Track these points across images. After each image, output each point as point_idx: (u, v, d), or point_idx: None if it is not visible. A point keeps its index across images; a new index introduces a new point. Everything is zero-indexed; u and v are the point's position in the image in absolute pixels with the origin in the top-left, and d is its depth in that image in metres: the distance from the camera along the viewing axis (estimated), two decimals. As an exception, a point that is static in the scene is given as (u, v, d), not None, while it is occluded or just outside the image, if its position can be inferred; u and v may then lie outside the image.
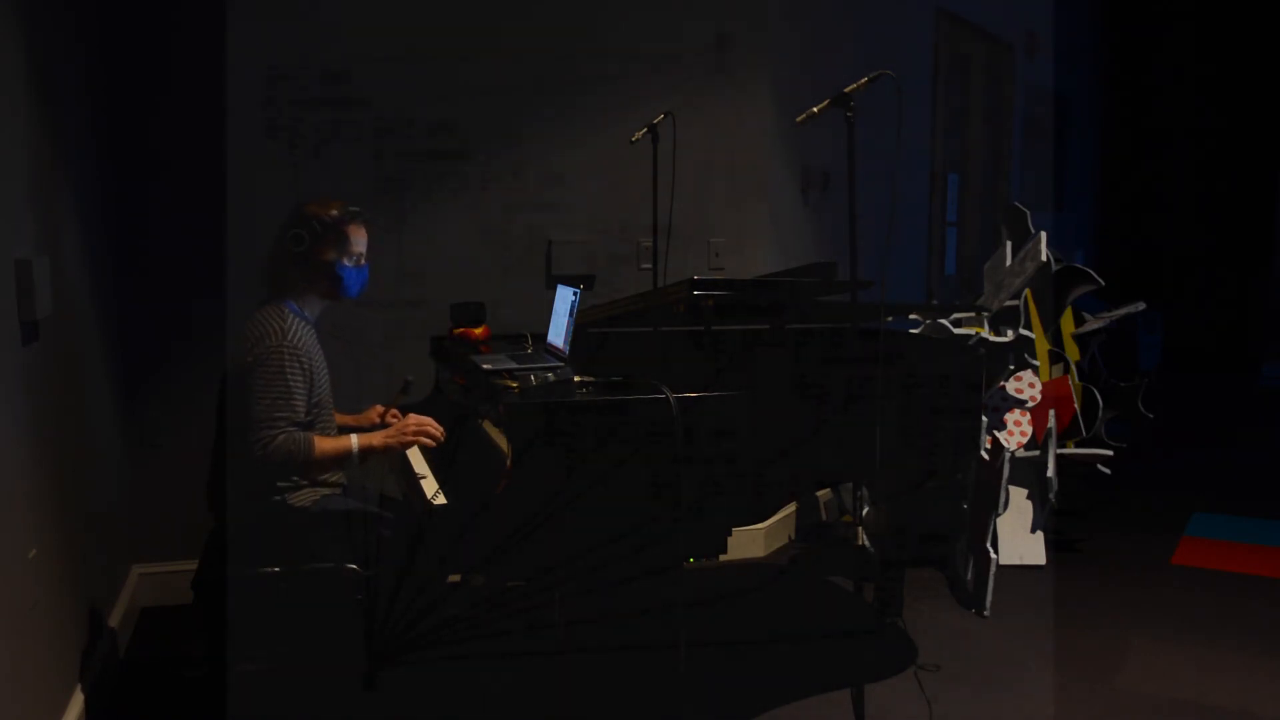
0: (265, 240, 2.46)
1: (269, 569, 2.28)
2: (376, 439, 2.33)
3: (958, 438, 2.69)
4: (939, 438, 2.60)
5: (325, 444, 2.29)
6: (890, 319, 3.78)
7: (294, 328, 2.31)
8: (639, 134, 3.26)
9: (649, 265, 3.51)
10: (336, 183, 3.28)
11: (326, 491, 2.42)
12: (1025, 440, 3.52)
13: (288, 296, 2.40)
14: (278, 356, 2.25)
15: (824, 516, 4.22)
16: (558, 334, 2.77)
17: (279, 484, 2.34)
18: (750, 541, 3.86)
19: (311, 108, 3.32)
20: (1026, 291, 3.84)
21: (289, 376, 2.25)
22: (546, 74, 3.54)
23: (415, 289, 3.49)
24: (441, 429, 2.35)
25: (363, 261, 2.47)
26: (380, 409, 2.65)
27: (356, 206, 2.46)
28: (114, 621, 2.97)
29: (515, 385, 2.36)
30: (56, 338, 2.48)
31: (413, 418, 2.37)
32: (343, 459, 2.31)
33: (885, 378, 2.34)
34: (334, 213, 2.40)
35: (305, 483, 2.37)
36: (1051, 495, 3.76)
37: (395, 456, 2.62)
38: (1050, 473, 3.72)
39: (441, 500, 2.22)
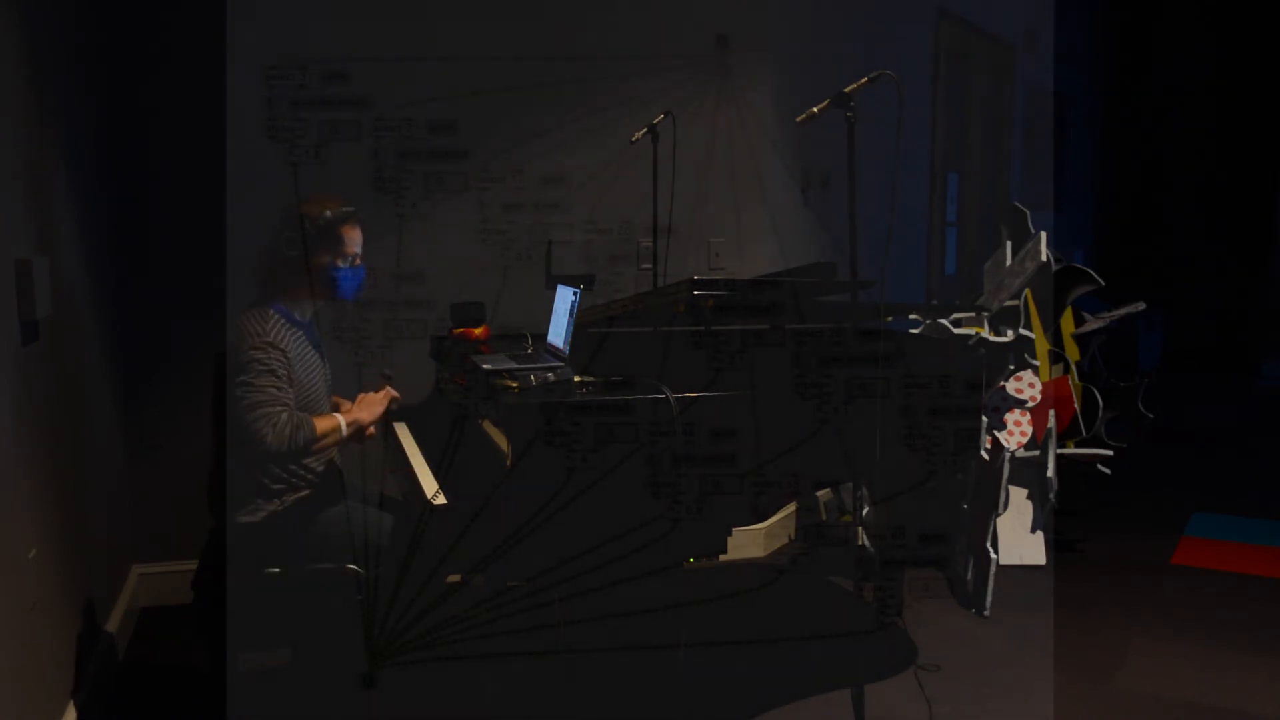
0: (265, 240, 2.45)
1: (269, 569, 2.28)
2: (359, 413, 2.45)
3: (958, 438, 2.69)
4: (939, 438, 2.60)
5: (321, 423, 2.35)
6: (890, 319, 3.78)
7: (275, 328, 2.32)
8: (639, 134, 3.27)
9: (649, 265, 3.50)
10: (337, 183, 3.28)
11: (326, 493, 2.42)
12: (1025, 440, 3.52)
13: (276, 299, 2.39)
14: (260, 352, 2.27)
15: (824, 516, 4.22)
16: (558, 334, 2.77)
17: (274, 485, 2.34)
18: (750, 541, 3.85)
19: (311, 108, 3.32)
20: (1026, 291, 3.84)
21: (275, 367, 2.28)
22: (546, 74, 3.54)
23: (415, 289, 3.48)
24: (386, 395, 2.53)
25: (358, 262, 2.47)
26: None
27: (350, 206, 2.46)
28: (114, 622, 2.97)
29: (515, 385, 2.36)
30: (56, 338, 2.48)
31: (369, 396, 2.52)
32: (335, 432, 2.37)
33: (885, 378, 2.34)
34: (328, 214, 2.40)
35: (296, 478, 2.37)
36: (1051, 495, 3.76)
37: (395, 457, 2.63)
38: (1050, 473, 3.72)
39: (441, 500, 2.22)
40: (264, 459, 2.28)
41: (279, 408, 2.25)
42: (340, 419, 2.39)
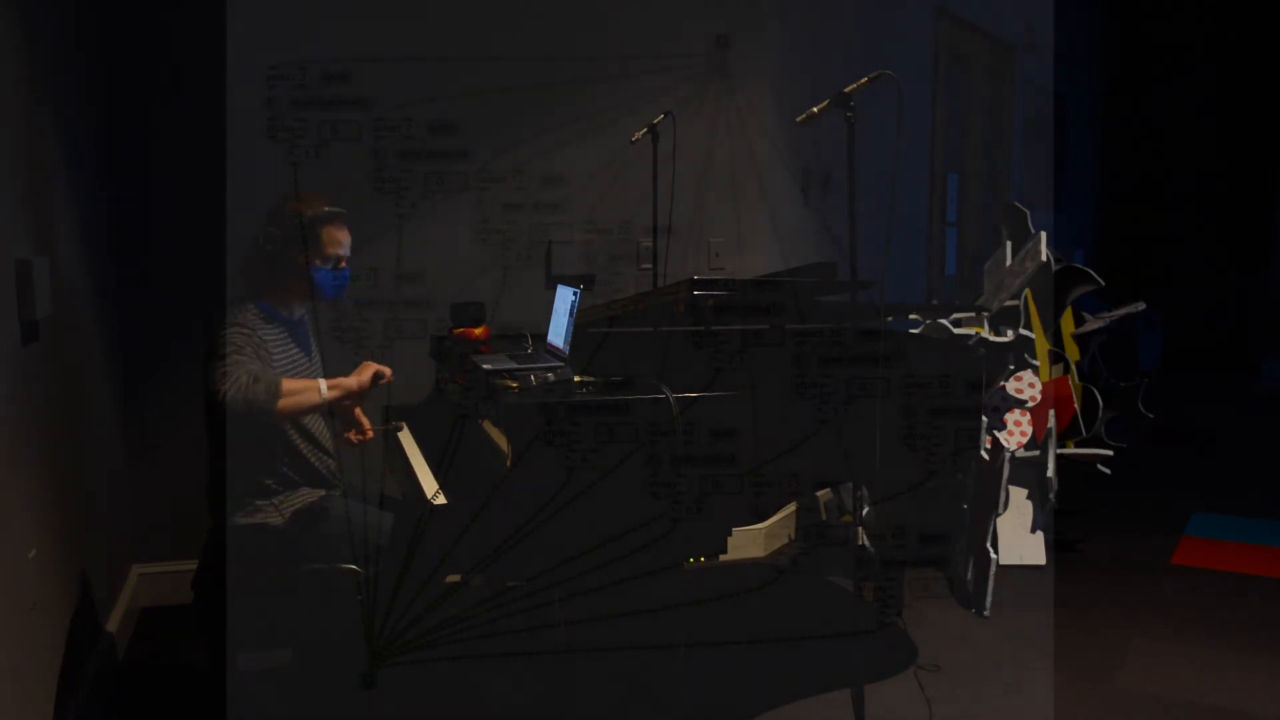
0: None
1: (269, 569, 2.28)
2: (346, 380, 2.28)
3: (958, 438, 2.69)
4: (939, 438, 2.60)
5: (292, 382, 2.22)
6: (890, 319, 3.78)
7: (246, 318, 2.31)
8: (639, 134, 3.27)
9: (649, 265, 3.50)
10: (337, 183, 3.29)
11: (325, 493, 2.42)
12: (1025, 440, 3.52)
13: (259, 296, 2.39)
14: (223, 334, 2.23)
15: (824, 516, 4.21)
16: (558, 334, 2.77)
17: (271, 484, 2.34)
18: (750, 541, 3.85)
19: (311, 108, 3.32)
20: (1026, 291, 3.84)
21: (240, 343, 2.22)
22: (547, 74, 3.54)
23: (415, 289, 3.48)
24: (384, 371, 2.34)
25: (342, 264, 2.45)
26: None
27: (337, 207, 2.44)
28: (114, 622, 2.97)
29: (515, 385, 2.36)
30: (56, 338, 2.48)
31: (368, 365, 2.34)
32: (309, 391, 2.22)
33: (885, 378, 2.34)
34: (309, 214, 2.39)
35: (297, 477, 2.37)
36: (1051, 495, 3.76)
37: (395, 457, 2.62)
38: (1050, 473, 3.72)
39: (441, 500, 2.22)
40: (236, 416, 2.17)
41: (239, 365, 2.17)
42: (320, 381, 2.26)
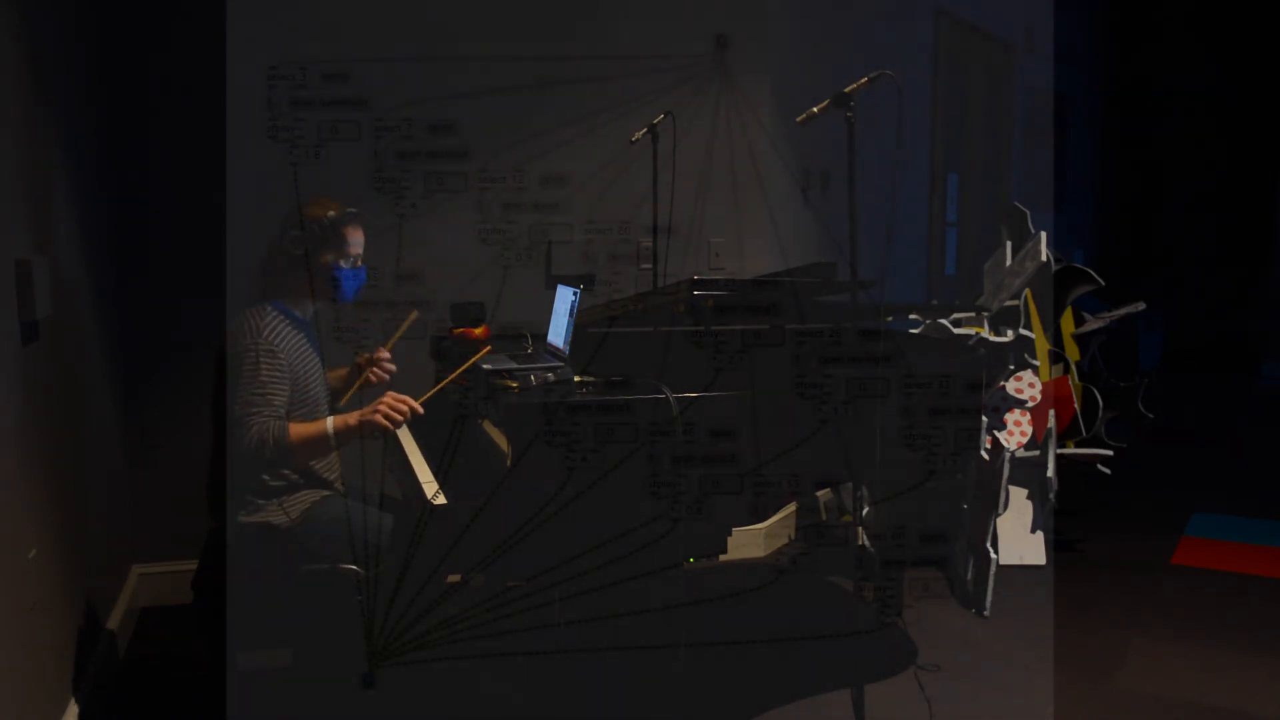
0: (265, 240, 2.46)
1: (269, 569, 2.28)
2: (351, 418, 2.29)
3: (958, 438, 2.69)
4: (939, 438, 2.60)
5: (301, 429, 2.26)
6: (890, 319, 3.77)
7: (271, 326, 2.31)
8: (639, 134, 3.27)
9: (649, 265, 3.50)
10: (336, 183, 3.28)
11: (326, 493, 2.42)
12: (1025, 440, 3.52)
13: (276, 297, 2.40)
14: (252, 354, 2.25)
15: (824, 516, 4.21)
16: (558, 334, 2.77)
17: (272, 483, 2.34)
18: (750, 541, 3.85)
19: (311, 108, 3.32)
20: (1026, 291, 3.84)
21: (263, 372, 2.25)
22: (547, 74, 3.54)
23: (415, 289, 3.48)
24: (410, 406, 2.30)
25: (359, 263, 2.49)
26: (365, 356, 2.61)
27: (353, 208, 2.47)
28: (114, 621, 2.97)
29: (515, 385, 2.36)
30: (56, 338, 2.48)
31: (388, 396, 2.31)
32: (321, 441, 2.27)
33: (885, 378, 2.34)
34: (331, 214, 2.42)
35: (297, 477, 2.37)
36: (1051, 495, 3.76)
37: (395, 457, 2.62)
38: (1050, 473, 3.72)
39: (441, 500, 2.22)
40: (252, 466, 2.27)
41: (253, 416, 2.21)
42: (328, 424, 2.27)
